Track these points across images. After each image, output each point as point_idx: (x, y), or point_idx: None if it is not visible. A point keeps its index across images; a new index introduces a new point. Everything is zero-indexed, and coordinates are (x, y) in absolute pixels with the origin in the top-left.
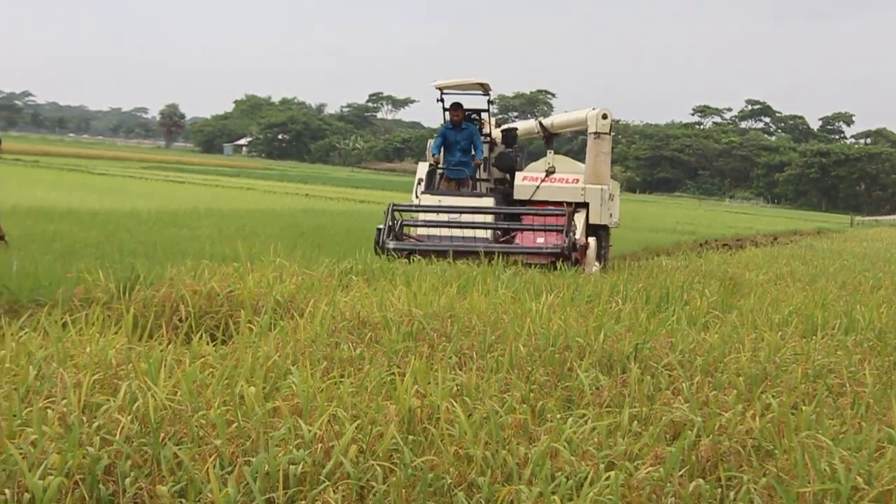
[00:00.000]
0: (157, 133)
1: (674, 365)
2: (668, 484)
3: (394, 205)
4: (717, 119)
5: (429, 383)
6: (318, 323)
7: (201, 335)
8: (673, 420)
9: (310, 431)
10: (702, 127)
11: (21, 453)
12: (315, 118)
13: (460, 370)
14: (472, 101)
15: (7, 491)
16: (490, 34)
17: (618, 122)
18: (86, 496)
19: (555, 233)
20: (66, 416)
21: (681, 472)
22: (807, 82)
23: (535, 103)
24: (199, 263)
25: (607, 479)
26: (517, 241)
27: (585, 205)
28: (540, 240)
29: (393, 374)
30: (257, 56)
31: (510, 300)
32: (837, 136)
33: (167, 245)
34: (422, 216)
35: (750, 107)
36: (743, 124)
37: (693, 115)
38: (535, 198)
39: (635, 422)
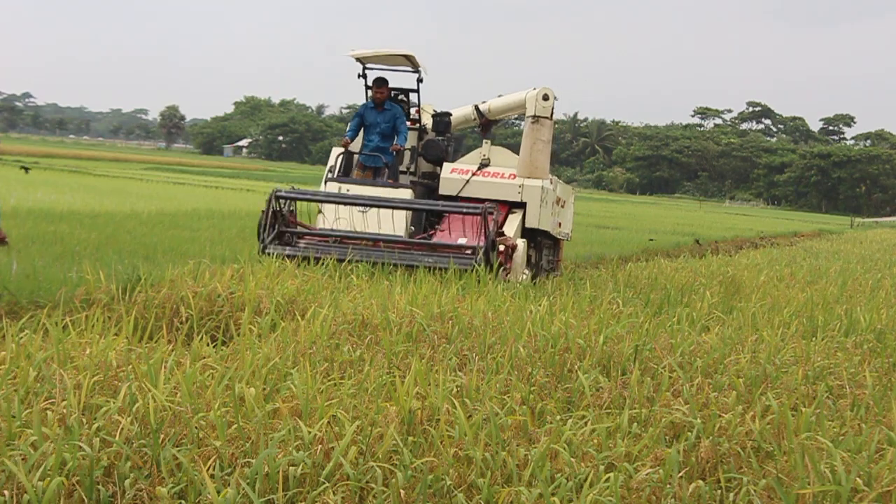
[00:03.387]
0: (157, 134)
1: (674, 366)
2: (668, 485)
3: (277, 192)
4: (718, 121)
5: (429, 385)
6: (319, 324)
7: (202, 337)
8: (673, 422)
9: (310, 433)
10: (702, 129)
11: (20, 455)
12: (315, 119)
13: (460, 371)
14: (400, 80)
15: (6, 492)
16: (489, 36)
17: (617, 123)
18: (84, 498)
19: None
20: (66, 418)
21: (680, 474)
22: (807, 84)
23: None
24: (200, 265)
25: (607, 480)
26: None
27: (523, 205)
28: (462, 239)
29: (393, 375)
30: (256, 57)
31: (510, 301)
32: (838, 138)
33: (168, 246)
34: (324, 207)
35: (750, 108)
36: (743, 126)
37: (693, 116)
38: (463, 194)
39: (635, 423)
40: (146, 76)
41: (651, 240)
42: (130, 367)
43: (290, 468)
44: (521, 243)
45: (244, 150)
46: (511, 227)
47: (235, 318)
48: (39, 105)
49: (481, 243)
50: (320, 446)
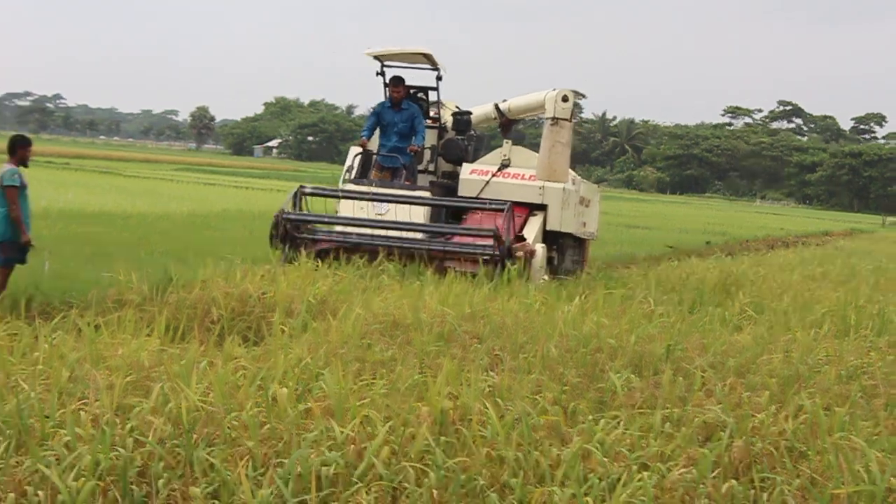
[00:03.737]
0: (188, 135)
1: (706, 366)
2: (701, 485)
3: (303, 188)
4: (748, 120)
5: (461, 384)
6: (351, 324)
7: (233, 337)
8: (705, 421)
9: (342, 433)
10: (732, 128)
11: (54, 455)
12: (345, 119)
13: (492, 371)
14: (419, 79)
15: (40, 493)
16: (518, 34)
17: (647, 122)
18: (118, 498)
19: (488, 237)
20: (100, 418)
21: (714, 474)
22: (838, 83)
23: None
24: (232, 265)
25: (640, 480)
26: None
27: (544, 207)
28: (482, 243)
29: (425, 375)
30: (286, 58)
31: (541, 301)
32: (869, 137)
33: (199, 247)
34: (341, 209)
35: (781, 107)
36: (774, 125)
37: (723, 115)
38: (483, 196)
39: (668, 423)
40: (176, 77)
41: (671, 247)
42: (163, 367)
43: (323, 468)
44: (539, 248)
45: (274, 150)
46: (532, 230)
47: (267, 318)
48: (70, 106)
49: (501, 236)
50: (353, 446)
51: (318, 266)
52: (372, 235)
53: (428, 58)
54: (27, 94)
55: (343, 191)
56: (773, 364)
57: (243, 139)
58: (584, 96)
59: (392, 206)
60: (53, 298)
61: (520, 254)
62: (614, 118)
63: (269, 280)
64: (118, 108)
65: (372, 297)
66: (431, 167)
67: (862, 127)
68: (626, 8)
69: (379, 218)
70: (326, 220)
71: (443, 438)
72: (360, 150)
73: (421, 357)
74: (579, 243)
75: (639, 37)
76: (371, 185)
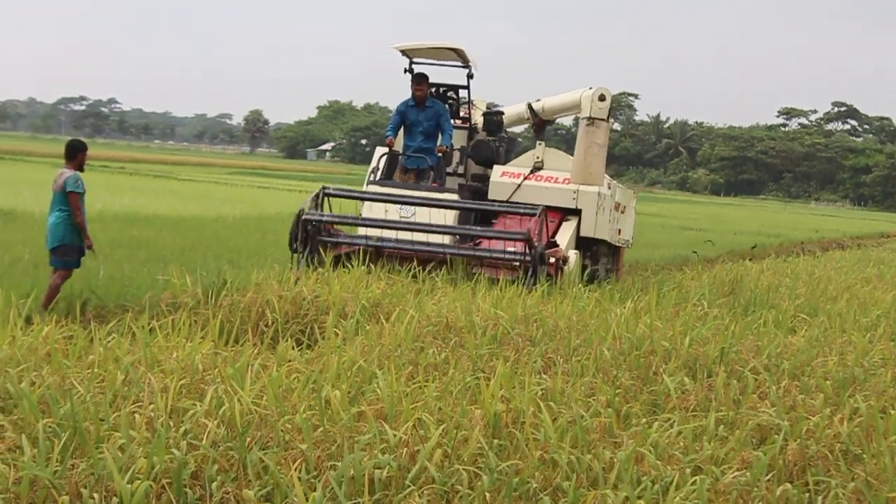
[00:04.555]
0: (241, 139)
1: (760, 369)
2: (755, 489)
3: (325, 188)
4: (803, 121)
5: (514, 387)
6: (404, 327)
7: (287, 340)
8: (759, 424)
9: (395, 436)
10: (786, 129)
11: (111, 457)
12: None
13: (545, 374)
14: (450, 76)
15: (95, 495)
16: (570, 35)
17: (700, 124)
18: (173, 500)
19: (519, 241)
20: (154, 421)
21: (768, 477)
22: (894, 83)
23: (617, 106)
24: (286, 268)
25: (693, 483)
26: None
27: (578, 212)
28: (512, 248)
29: (478, 378)
30: (340, 61)
31: (594, 304)
32: None
33: (253, 250)
34: (364, 211)
35: (836, 109)
36: (829, 126)
37: (778, 117)
38: (514, 200)
39: (721, 426)
40: (230, 82)
41: (708, 241)
42: (216, 370)
43: (376, 471)
44: (573, 255)
45: (328, 153)
46: (564, 235)
47: (320, 321)
48: (125, 111)
49: (533, 246)
50: (405, 449)
51: (348, 269)
52: (397, 239)
53: (458, 53)
54: (82, 98)
55: (367, 192)
56: (827, 366)
57: (297, 142)
58: (636, 97)
59: (420, 208)
60: (108, 302)
61: (552, 259)
62: (668, 119)
63: (323, 283)
64: (172, 112)
65: (425, 300)
66: (461, 169)
67: None
68: (681, 9)
69: (404, 220)
70: (349, 221)
71: (496, 441)
72: (385, 150)
73: (474, 360)
74: (613, 251)
75: (693, 38)
76: (393, 188)
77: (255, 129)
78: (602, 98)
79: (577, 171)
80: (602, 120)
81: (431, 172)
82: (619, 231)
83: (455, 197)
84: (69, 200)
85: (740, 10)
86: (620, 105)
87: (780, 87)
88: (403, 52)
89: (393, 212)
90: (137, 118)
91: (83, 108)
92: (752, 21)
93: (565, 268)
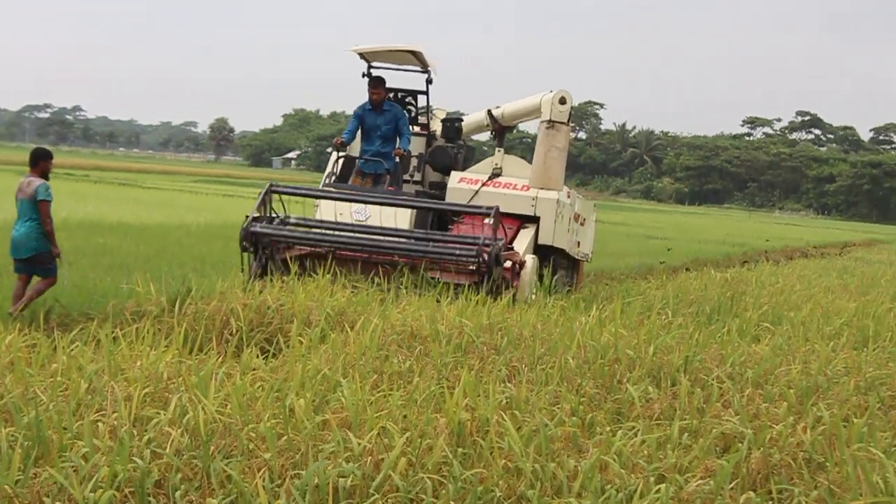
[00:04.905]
0: (207, 147)
1: (724, 377)
2: (719, 497)
3: (272, 185)
4: (767, 130)
5: (478, 396)
6: (369, 336)
7: (252, 349)
8: (723, 433)
9: (359, 444)
10: (751, 138)
11: (72, 467)
12: None
13: (510, 383)
14: (409, 82)
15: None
16: (535, 44)
17: (666, 133)
18: None
19: (469, 244)
20: (117, 430)
21: (731, 485)
22: (857, 93)
23: (583, 115)
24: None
25: (657, 492)
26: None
27: (536, 220)
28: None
29: (442, 386)
30: (305, 70)
31: (559, 313)
32: (889, 147)
33: (217, 259)
34: (320, 210)
35: (800, 118)
36: (793, 136)
37: (742, 126)
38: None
39: (685, 434)
40: (195, 89)
41: (669, 249)
42: (181, 378)
43: (340, 480)
44: (530, 259)
45: (293, 161)
46: (522, 242)
47: (285, 330)
48: (90, 118)
49: (486, 241)
50: (370, 458)
51: (299, 274)
52: (349, 240)
53: (417, 56)
54: (47, 106)
55: (316, 189)
56: (791, 375)
57: (262, 151)
58: (601, 106)
59: (374, 211)
60: (72, 310)
61: (508, 263)
62: (634, 129)
63: (288, 291)
64: (137, 120)
65: (390, 308)
66: (418, 176)
67: (881, 137)
68: (646, 19)
69: (358, 222)
70: (293, 222)
71: (460, 450)
72: (343, 154)
73: (438, 368)
74: (572, 263)
75: (658, 47)
76: (348, 192)
77: (221, 137)
78: (563, 101)
79: (537, 175)
80: (562, 123)
81: (389, 177)
82: (579, 244)
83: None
84: (39, 209)
85: (705, 20)
86: (586, 114)
87: (744, 96)
88: (362, 56)
89: (347, 215)
90: (102, 126)
91: (48, 115)
92: (717, 31)
93: (522, 273)
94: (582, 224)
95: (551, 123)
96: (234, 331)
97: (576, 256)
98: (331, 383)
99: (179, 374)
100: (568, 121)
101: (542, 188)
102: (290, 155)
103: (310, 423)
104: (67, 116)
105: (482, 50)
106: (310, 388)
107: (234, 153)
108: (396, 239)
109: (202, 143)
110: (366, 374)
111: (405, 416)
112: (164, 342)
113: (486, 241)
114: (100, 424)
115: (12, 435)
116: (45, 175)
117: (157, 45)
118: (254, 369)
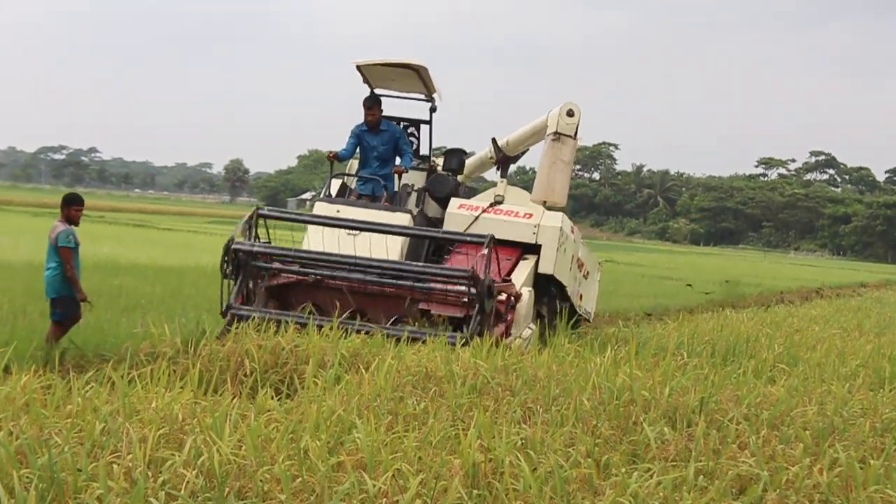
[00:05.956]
0: (222, 188)
1: (740, 418)
2: None
3: (259, 210)
4: (782, 171)
5: (493, 437)
6: (383, 377)
7: (266, 390)
8: (739, 474)
9: (374, 486)
10: (766, 178)
11: None
12: None
13: (525, 424)
14: (411, 111)
15: None
16: (548, 87)
17: (681, 174)
18: None
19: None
20: (132, 471)
21: None
22: (872, 134)
23: (597, 156)
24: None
25: None
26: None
27: (537, 248)
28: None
29: (457, 428)
30: (320, 111)
31: (574, 354)
32: None
33: None
34: (308, 235)
35: (814, 158)
36: (808, 176)
37: (757, 167)
38: (470, 233)
39: (701, 476)
40: (210, 130)
41: (689, 285)
42: (195, 420)
43: None
44: (526, 292)
45: (308, 202)
46: (521, 274)
47: (300, 371)
48: (105, 160)
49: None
50: (385, 499)
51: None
52: (336, 267)
53: (420, 74)
54: (62, 147)
55: (303, 214)
56: (807, 416)
57: (277, 192)
58: (616, 146)
59: (364, 234)
60: (87, 351)
61: (503, 296)
62: (648, 170)
63: (302, 333)
64: (153, 162)
65: (404, 349)
66: (418, 209)
67: None
68: (662, 61)
69: (340, 255)
70: (277, 251)
71: (475, 492)
72: (341, 178)
73: (453, 410)
74: (571, 316)
75: (674, 89)
76: (343, 205)
77: (236, 179)
78: (570, 114)
79: (540, 188)
80: (569, 136)
81: (385, 199)
82: (581, 296)
83: (408, 219)
84: (60, 255)
85: (720, 61)
86: (601, 155)
87: (760, 137)
88: (364, 79)
89: (340, 236)
90: (118, 167)
91: (63, 157)
92: (731, 71)
93: (518, 306)
94: (586, 277)
95: (558, 136)
96: (249, 372)
97: (577, 310)
98: (345, 425)
99: (194, 415)
100: (575, 134)
101: (544, 202)
102: (305, 196)
103: (324, 464)
104: (83, 158)
105: (481, 86)
106: (324, 430)
107: (249, 194)
108: (384, 269)
109: (217, 184)
110: (380, 415)
111: (420, 458)
112: (178, 383)
113: (475, 276)
114: (115, 466)
115: (27, 476)
116: (70, 220)
117: (173, 87)
118: (268, 410)
